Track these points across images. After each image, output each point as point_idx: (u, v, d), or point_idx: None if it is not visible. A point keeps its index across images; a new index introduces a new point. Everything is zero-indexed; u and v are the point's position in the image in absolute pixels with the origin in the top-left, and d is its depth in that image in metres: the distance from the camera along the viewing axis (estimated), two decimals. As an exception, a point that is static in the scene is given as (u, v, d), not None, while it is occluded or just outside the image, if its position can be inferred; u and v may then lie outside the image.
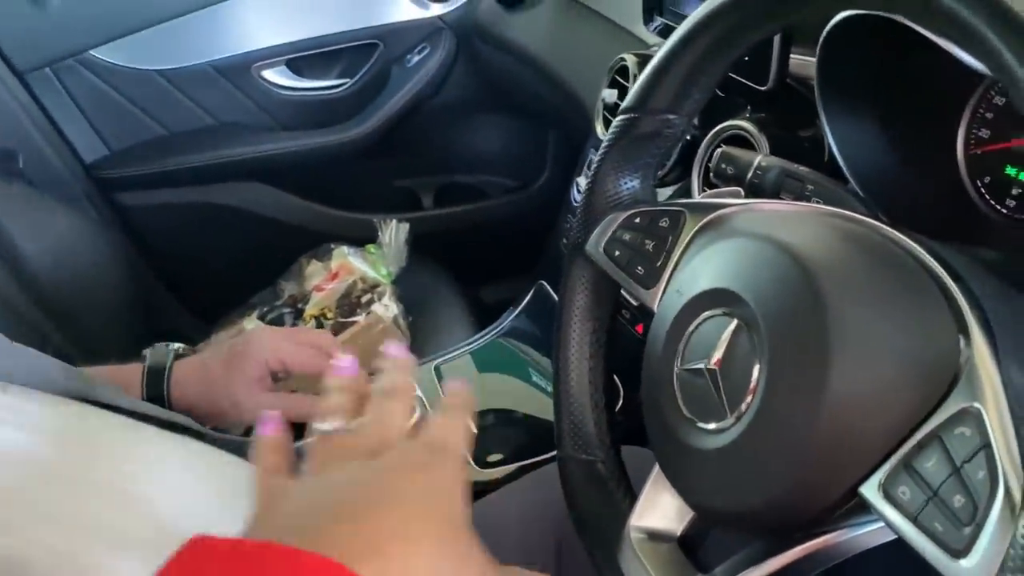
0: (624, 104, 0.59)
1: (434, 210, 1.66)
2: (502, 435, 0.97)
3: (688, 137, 0.84)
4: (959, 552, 0.35)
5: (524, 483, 0.78)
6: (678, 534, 0.54)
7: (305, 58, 1.49)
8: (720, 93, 0.84)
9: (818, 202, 0.57)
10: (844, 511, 0.43)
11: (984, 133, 0.66)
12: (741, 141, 0.77)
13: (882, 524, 0.41)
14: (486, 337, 1.15)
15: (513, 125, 1.61)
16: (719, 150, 0.65)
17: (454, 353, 1.11)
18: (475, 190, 1.68)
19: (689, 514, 0.54)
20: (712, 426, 0.46)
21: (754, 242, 0.47)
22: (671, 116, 0.57)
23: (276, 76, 1.49)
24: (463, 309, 1.37)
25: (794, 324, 0.43)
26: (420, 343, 1.20)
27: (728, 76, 0.79)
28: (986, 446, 0.36)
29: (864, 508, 0.41)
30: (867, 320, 0.41)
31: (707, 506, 0.48)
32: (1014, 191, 0.64)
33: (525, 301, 1.20)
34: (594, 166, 0.61)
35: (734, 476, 0.45)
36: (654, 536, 0.54)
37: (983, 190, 0.66)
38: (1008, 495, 0.34)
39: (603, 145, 0.61)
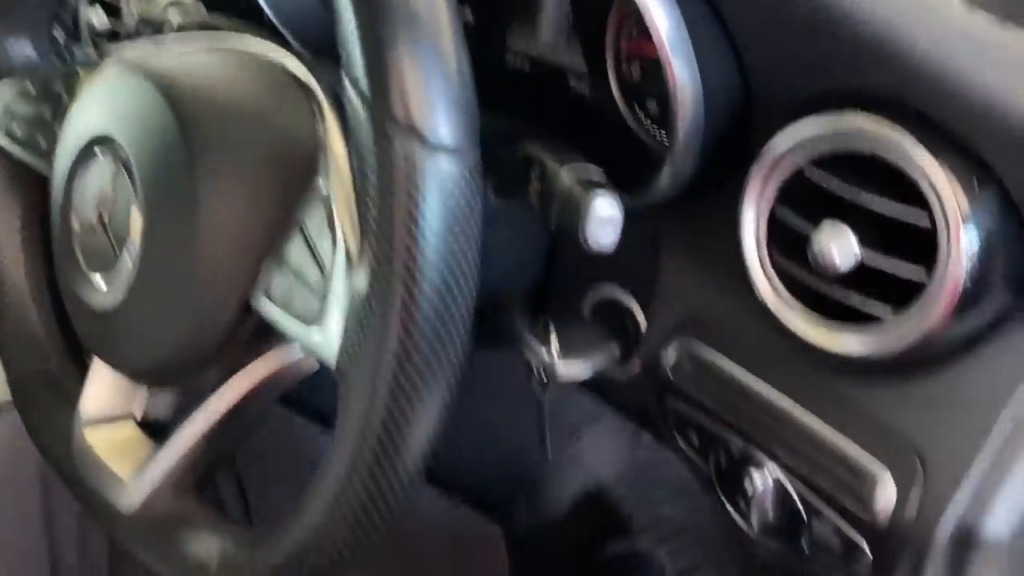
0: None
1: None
2: None
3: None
4: (313, 319, 0.35)
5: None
6: (135, 413, 0.50)
7: None
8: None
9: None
10: (261, 330, 0.42)
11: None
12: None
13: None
14: None
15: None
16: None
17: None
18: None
19: (141, 389, 0.50)
20: (108, 280, 0.42)
21: (123, 77, 0.43)
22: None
23: None
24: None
25: (159, 154, 0.40)
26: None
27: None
28: (330, 215, 0.36)
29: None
30: (227, 131, 0.40)
31: (129, 366, 0.45)
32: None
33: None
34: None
35: (137, 327, 0.42)
36: (107, 420, 0.50)
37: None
38: (347, 254, 0.35)
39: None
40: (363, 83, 0.30)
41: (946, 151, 0.35)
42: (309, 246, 0.37)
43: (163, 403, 0.51)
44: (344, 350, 0.34)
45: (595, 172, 0.40)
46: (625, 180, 0.46)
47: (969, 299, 0.35)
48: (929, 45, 0.34)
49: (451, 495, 0.94)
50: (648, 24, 0.40)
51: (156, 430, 0.51)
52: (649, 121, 0.52)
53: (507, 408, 1.14)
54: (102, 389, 0.49)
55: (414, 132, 0.30)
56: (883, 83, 0.36)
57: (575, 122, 0.56)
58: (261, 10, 0.66)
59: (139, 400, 0.50)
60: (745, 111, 0.42)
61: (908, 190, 0.36)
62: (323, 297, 0.35)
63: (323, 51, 0.64)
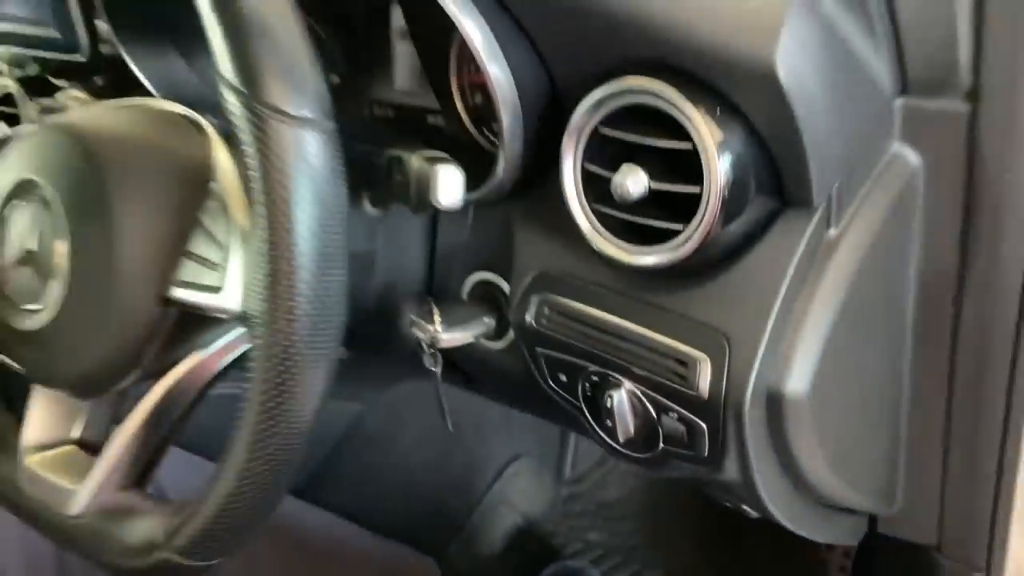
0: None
1: None
2: None
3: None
4: (219, 286, 0.43)
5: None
6: (75, 435, 0.56)
7: None
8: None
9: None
10: (177, 329, 0.49)
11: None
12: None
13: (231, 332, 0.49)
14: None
15: None
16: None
17: None
18: None
19: (82, 410, 0.56)
20: (37, 306, 0.49)
21: (40, 132, 0.51)
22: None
23: None
24: None
25: (76, 187, 0.48)
26: None
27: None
28: (223, 204, 0.45)
29: (202, 320, 0.48)
30: (131, 160, 0.48)
31: (63, 379, 0.51)
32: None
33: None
34: None
35: (68, 340, 0.49)
36: (48, 446, 0.55)
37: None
38: (241, 229, 0.43)
39: None
40: (233, 76, 0.40)
41: (699, 94, 0.46)
42: (209, 234, 0.45)
43: (100, 424, 0.57)
44: (247, 294, 0.42)
45: (439, 153, 0.50)
46: (475, 181, 0.56)
47: (733, 204, 0.46)
48: (669, 13, 0.45)
49: (385, 537, 0.99)
50: (468, 43, 0.51)
51: (95, 449, 0.57)
52: (493, 135, 0.63)
53: (432, 455, 1.21)
54: (41, 418, 0.55)
55: (278, 109, 0.39)
56: (643, 50, 0.46)
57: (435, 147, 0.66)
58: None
59: (77, 424, 0.56)
60: (552, 96, 0.52)
61: (677, 130, 0.46)
62: (224, 267, 0.43)
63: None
